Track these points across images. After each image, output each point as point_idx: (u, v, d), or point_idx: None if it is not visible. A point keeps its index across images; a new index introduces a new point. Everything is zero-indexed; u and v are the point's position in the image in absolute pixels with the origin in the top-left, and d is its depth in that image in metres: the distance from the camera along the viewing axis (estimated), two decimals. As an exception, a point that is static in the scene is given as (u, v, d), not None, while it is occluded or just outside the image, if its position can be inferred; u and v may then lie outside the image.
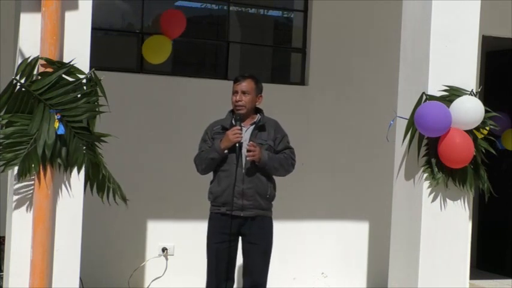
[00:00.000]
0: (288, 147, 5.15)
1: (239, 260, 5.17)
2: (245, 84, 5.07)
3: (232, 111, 5.14)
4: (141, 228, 6.62)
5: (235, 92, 5.07)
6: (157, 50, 6.49)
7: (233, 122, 5.06)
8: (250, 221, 5.02)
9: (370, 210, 7.23)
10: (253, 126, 5.08)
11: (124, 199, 4.33)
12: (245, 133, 5.02)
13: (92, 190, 4.23)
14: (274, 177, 5.14)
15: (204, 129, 5.19)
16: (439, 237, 4.68)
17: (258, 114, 5.13)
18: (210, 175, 5.15)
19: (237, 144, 4.94)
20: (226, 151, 4.96)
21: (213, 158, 4.98)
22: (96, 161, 4.18)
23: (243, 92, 5.05)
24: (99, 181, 4.23)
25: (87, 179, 4.20)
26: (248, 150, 4.93)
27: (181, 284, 6.60)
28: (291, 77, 7.48)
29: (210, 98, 6.51)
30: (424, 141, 4.68)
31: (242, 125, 5.02)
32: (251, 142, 4.97)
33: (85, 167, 4.14)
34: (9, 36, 4.48)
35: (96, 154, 4.18)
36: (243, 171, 4.96)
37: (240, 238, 5.10)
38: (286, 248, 6.87)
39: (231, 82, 5.23)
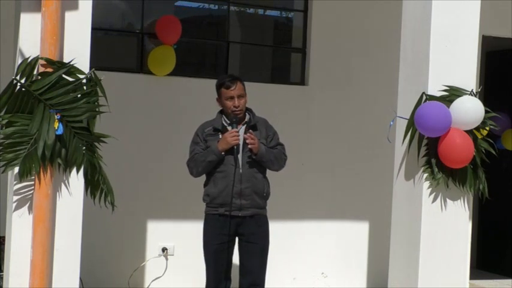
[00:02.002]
0: (279, 143, 5.19)
1: (235, 259, 5.18)
2: (238, 88, 5.06)
3: (221, 112, 5.15)
4: (141, 228, 6.62)
5: (230, 98, 5.04)
6: (163, 61, 6.53)
7: (224, 122, 5.06)
8: (248, 220, 5.04)
9: (370, 210, 7.23)
10: (245, 125, 5.08)
11: (112, 204, 4.31)
12: (239, 130, 5.03)
13: (86, 191, 4.22)
14: (268, 175, 5.17)
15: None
16: (439, 237, 4.69)
17: (247, 114, 5.14)
18: (203, 177, 5.16)
19: (235, 147, 4.96)
20: (223, 153, 4.98)
21: (211, 161, 5.00)
22: (94, 161, 4.18)
23: (239, 96, 5.05)
24: (94, 182, 4.22)
25: (86, 179, 4.20)
26: (246, 142, 4.97)
27: (181, 284, 6.61)
28: (291, 77, 7.48)
29: (210, 98, 6.47)
30: (424, 141, 4.68)
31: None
32: (249, 134, 4.98)
33: (84, 167, 4.14)
34: (9, 36, 4.48)
35: (94, 155, 4.17)
36: (241, 171, 4.98)
37: (236, 238, 5.11)
38: (286, 248, 6.87)
39: (231, 82, 5.23)
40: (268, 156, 5.04)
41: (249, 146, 4.97)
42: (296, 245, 7.06)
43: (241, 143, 5.01)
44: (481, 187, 4.80)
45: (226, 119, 5.10)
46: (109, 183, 4.28)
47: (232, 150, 4.97)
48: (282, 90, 7.10)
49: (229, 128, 5.03)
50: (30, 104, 4.03)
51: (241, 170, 4.98)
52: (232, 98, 5.05)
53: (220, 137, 5.02)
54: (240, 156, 5.00)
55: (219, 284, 5.06)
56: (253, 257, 5.08)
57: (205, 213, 5.13)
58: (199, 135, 5.12)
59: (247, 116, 5.12)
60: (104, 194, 4.25)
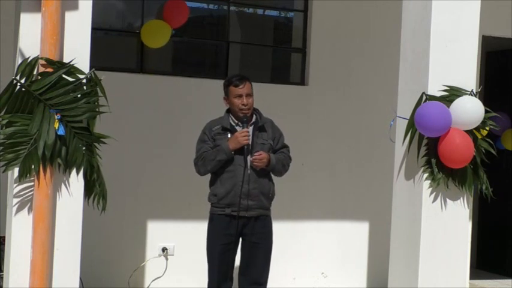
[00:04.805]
0: (285, 145, 5.23)
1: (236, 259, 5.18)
2: (247, 87, 5.09)
3: (228, 111, 5.15)
4: (141, 228, 6.62)
5: (239, 96, 5.06)
6: (156, 33, 6.49)
7: (232, 122, 5.08)
8: (253, 221, 5.05)
9: (370, 210, 7.23)
10: (253, 126, 5.10)
11: (103, 207, 4.27)
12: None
13: (85, 191, 4.21)
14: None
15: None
16: (439, 237, 4.68)
17: (255, 114, 5.16)
18: (208, 176, 5.16)
19: (245, 146, 4.97)
20: (232, 152, 4.99)
21: (220, 160, 4.99)
22: (93, 162, 4.17)
23: (247, 95, 5.07)
24: (90, 183, 4.21)
25: (85, 179, 4.19)
26: (254, 164, 5.00)
27: (181, 284, 6.61)
28: (291, 77, 7.48)
29: (210, 98, 6.50)
30: (424, 141, 4.68)
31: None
32: (257, 153, 4.99)
33: (84, 167, 4.14)
34: (9, 36, 4.47)
35: (93, 155, 4.17)
36: (249, 171, 4.99)
37: (240, 238, 5.11)
38: (286, 248, 6.87)
39: (231, 82, 5.23)
40: (278, 167, 5.10)
41: (257, 166, 4.97)
42: (296, 245, 7.06)
43: (250, 142, 5.02)
44: (483, 187, 4.80)
45: (234, 118, 5.10)
46: (104, 185, 4.27)
47: (241, 150, 4.98)
48: (282, 90, 7.10)
49: (237, 128, 5.05)
50: (30, 104, 4.02)
51: (249, 171, 4.99)
52: (240, 96, 5.05)
53: (229, 136, 5.03)
54: (248, 157, 5.01)
55: (222, 284, 5.06)
56: (257, 256, 5.09)
57: (211, 213, 5.12)
58: (207, 133, 5.11)
59: (254, 117, 5.14)
60: (97, 195, 4.23)
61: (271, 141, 5.12)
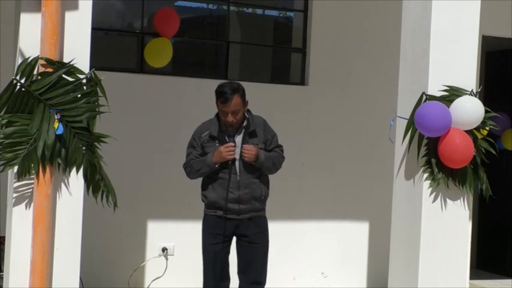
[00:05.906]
0: (278, 145, 5.14)
1: (233, 258, 5.18)
2: (233, 104, 4.91)
3: (217, 115, 5.06)
4: (141, 228, 6.62)
5: (225, 113, 4.93)
6: (159, 53, 6.50)
7: (220, 128, 5.00)
8: (246, 222, 5.04)
9: (370, 210, 7.23)
10: (243, 131, 5.02)
11: (114, 203, 4.30)
12: (236, 138, 4.97)
13: (88, 191, 4.22)
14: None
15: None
16: (439, 237, 4.69)
17: (245, 116, 5.04)
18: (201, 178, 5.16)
19: (230, 161, 4.93)
20: (217, 165, 4.95)
21: (204, 173, 5.01)
22: (94, 161, 4.18)
23: (234, 112, 4.93)
24: (95, 182, 4.22)
25: (85, 179, 4.19)
26: (243, 153, 4.93)
27: (181, 284, 6.61)
28: (291, 77, 7.48)
29: (210, 98, 6.48)
30: (424, 141, 4.68)
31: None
32: (247, 145, 4.93)
33: (84, 167, 4.14)
34: (9, 36, 4.48)
35: (94, 155, 4.17)
36: (238, 178, 4.96)
37: (234, 238, 5.11)
38: (286, 248, 6.87)
39: (231, 83, 5.21)
40: (267, 164, 5.01)
41: (246, 159, 4.92)
42: (296, 245, 7.06)
43: (239, 149, 4.95)
44: (483, 187, 4.80)
45: (221, 124, 5.03)
46: (109, 183, 4.28)
47: (227, 162, 4.93)
48: (282, 90, 7.10)
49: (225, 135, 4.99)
50: (30, 104, 4.03)
51: (238, 177, 4.96)
52: (226, 113, 4.94)
53: (217, 145, 4.98)
54: (237, 163, 4.96)
55: (217, 284, 5.06)
56: (255, 256, 5.09)
57: (204, 213, 5.14)
58: (196, 139, 5.07)
59: (246, 121, 5.03)
60: (104, 193, 4.25)
61: (262, 145, 5.03)
